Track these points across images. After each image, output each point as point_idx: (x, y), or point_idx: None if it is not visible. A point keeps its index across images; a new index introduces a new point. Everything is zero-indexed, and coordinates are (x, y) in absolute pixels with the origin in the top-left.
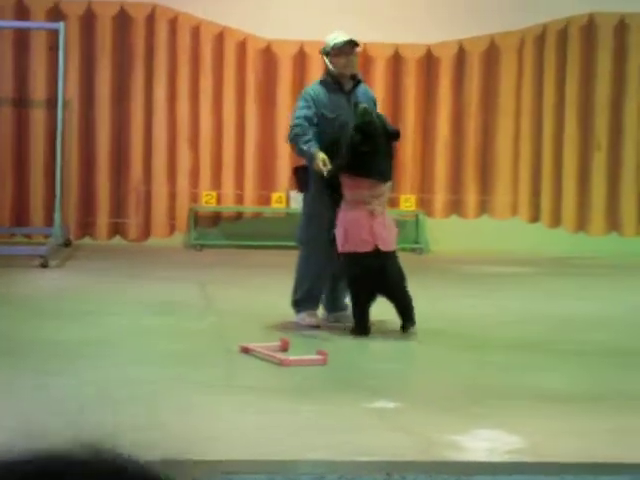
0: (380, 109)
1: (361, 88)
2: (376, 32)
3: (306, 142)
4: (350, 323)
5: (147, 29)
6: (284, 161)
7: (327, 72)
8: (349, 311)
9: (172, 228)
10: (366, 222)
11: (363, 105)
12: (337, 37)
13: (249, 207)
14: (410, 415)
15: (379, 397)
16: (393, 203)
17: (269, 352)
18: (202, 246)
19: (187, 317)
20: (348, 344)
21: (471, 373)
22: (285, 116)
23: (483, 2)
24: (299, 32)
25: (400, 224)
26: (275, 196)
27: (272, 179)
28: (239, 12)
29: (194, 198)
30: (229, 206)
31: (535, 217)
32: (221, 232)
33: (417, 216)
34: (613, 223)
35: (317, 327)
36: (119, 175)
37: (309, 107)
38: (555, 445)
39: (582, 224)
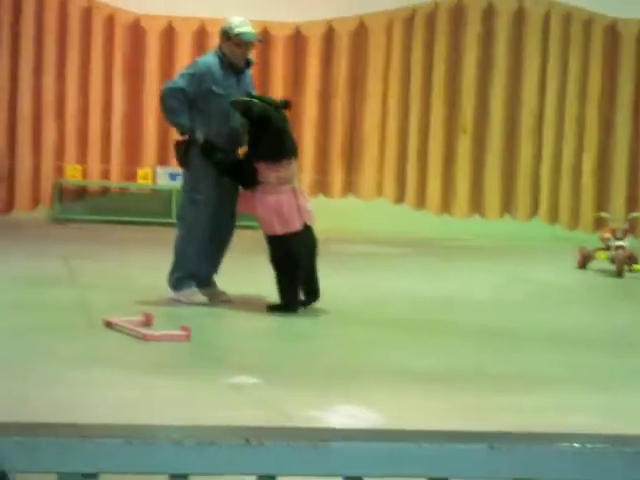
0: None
1: (248, 72)
2: (244, 9)
3: (181, 114)
4: (224, 298)
5: (14, 1)
6: (151, 137)
7: (221, 51)
8: (217, 287)
9: (36, 202)
10: (294, 201)
11: (236, 100)
12: (242, 26)
13: (115, 182)
14: (271, 391)
15: (240, 373)
16: None
17: (133, 326)
18: (66, 220)
19: (50, 291)
20: (212, 321)
21: (334, 350)
22: (154, 91)
23: None
24: (167, 7)
25: None
26: (141, 172)
27: (139, 154)
28: None
29: (59, 172)
30: (95, 180)
31: (400, 198)
32: (86, 207)
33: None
34: (477, 206)
35: (204, 304)
36: None
37: (193, 83)
38: (412, 421)
39: (446, 206)
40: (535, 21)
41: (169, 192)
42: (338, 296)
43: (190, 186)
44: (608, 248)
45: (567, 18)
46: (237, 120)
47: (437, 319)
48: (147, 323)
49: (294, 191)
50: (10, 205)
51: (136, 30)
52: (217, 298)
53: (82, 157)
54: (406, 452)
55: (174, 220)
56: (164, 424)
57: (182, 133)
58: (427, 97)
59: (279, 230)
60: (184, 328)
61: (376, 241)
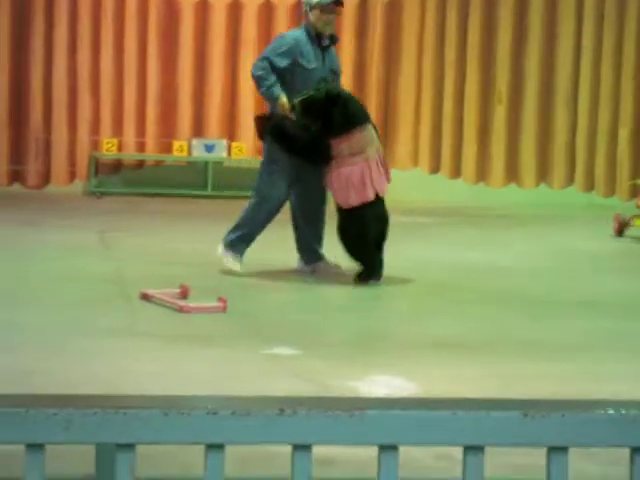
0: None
1: (332, 48)
2: None
3: (270, 86)
4: (322, 274)
5: None
6: (186, 109)
7: (307, 24)
8: (327, 261)
9: (72, 175)
10: (367, 171)
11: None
12: None
13: (150, 155)
14: (308, 362)
15: (278, 344)
16: None
17: (169, 299)
18: (102, 194)
19: (87, 264)
20: (249, 293)
21: (370, 321)
22: (188, 63)
23: None
24: None
25: None
26: (177, 144)
27: (174, 127)
28: None
29: (95, 145)
30: (130, 154)
31: (436, 168)
32: (122, 180)
33: None
34: (512, 174)
35: (239, 274)
36: (19, 122)
37: (282, 55)
38: (447, 389)
39: (482, 175)
40: None
41: (205, 164)
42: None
43: (267, 157)
44: None
45: None
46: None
47: (473, 287)
48: (183, 295)
49: (367, 160)
50: (46, 179)
51: (170, 3)
52: (331, 270)
53: (118, 130)
54: (441, 420)
55: (210, 192)
56: (199, 394)
57: (277, 102)
58: (462, 67)
59: (354, 201)
60: (221, 299)
61: (412, 211)
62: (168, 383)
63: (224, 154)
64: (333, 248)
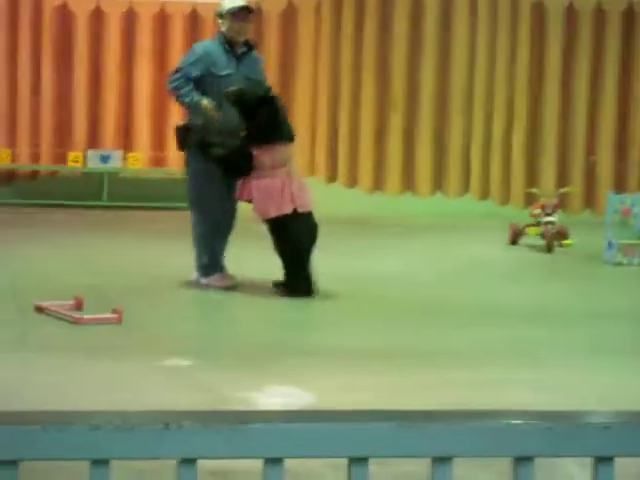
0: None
1: (253, 55)
2: None
3: (188, 93)
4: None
5: None
6: (81, 119)
7: (220, 33)
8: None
9: None
10: (287, 184)
11: (230, 90)
12: (232, 2)
13: (45, 166)
14: (204, 373)
15: (173, 355)
16: None
17: (64, 310)
18: None
19: None
20: (144, 303)
21: (267, 330)
22: (83, 73)
23: None
24: None
25: None
26: (72, 155)
27: (69, 138)
28: None
29: None
30: (24, 164)
31: (333, 177)
32: (16, 190)
33: None
34: (408, 183)
35: (232, 288)
36: None
37: (193, 64)
38: (344, 400)
39: (378, 184)
40: None
41: (100, 175)
42: (273, 276)
43: (192, 169)
44: (538, 224)
45: None
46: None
47: (368, 297)
48: (78, 307)
49: (289, 175)
50: None
51: (64, 12)
52: (230, 282)
53: (11, 141)
54: (324, 432)
55: (105, 202)
56: (81, 409)
57: (205, 109)
58: (358, 74)
59: (272, 212)
60: (116, 311)
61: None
62: (61, 396)
63: (120, 165)
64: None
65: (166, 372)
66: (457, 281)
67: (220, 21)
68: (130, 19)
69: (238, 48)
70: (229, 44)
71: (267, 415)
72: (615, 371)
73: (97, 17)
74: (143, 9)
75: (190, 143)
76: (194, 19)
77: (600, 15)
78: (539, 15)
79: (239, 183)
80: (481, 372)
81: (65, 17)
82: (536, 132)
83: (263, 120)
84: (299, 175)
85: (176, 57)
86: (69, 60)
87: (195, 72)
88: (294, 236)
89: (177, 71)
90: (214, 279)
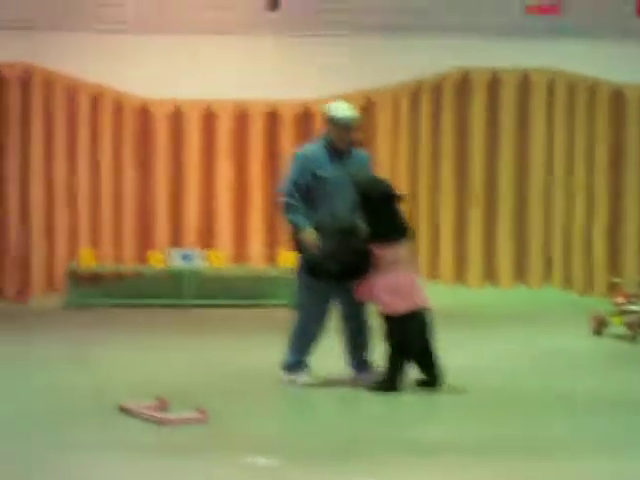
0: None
1: (355, 152)
2: (247, 88)
3: (294, 213)
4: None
5: (22, 88)
6: (163, 219)
7: (326, 135)
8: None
9: (51, 288)
10: (412, 279)
11: (358, 178)
12: (342, 110)
13: (128, 266)
14: (289, 471)
15: (258, 454)
16: (272, 259)
17: (148, 411)
18: (81, 306)
19: (66, 376)
20: (227, 402)
21: (350, 426)
22: (163, 174)
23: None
24: (174, 90)
25: (279, 280)
26: (154, 255)
27: (151, 238)
28: (115, 70)
29: (73, 257)
30: (108, 265)
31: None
32: (101, 291)
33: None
34: (490, 275)
35: (313, 385)
36: None
37: (301, 172)
38: None
39: (459, 276)
40: (540, 90)
41: (181, 273)
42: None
43: (301, 269)
44: (623, 313)
45: (571, 85)
46: (345, 203)
47: (455, 389)
48: (162, 407)
49: (413, 271)
50: (26, 293)
51: (144, 114)
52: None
53: (95, 242)
54: None
55: (187, 301)
56: None
57: (296, 232)
58: (437, 168)
59: (401, 308)
60: (200, 410)
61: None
62: None
63: (202, 263)
64: None
65: (251, 471)
66: (540, 372)
67: (328, 125)
68: (210, 118)
69: (343, 148)
70: (333, 148)
71: None
72: None
73: (176, 116)
74: (221, 109)
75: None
76: (273, 117)
77: None
78: (616, 104)
79: (358, 283)
80: (559, 463)
81: (145, 116)
82: (617, 221)
83: (389, 217)
84: (417, 272)
85: (254, 155)
86: (150, 159)
87: (302, 180)
88: (414, 330)
89: (288, 183)
90: (298, 376)
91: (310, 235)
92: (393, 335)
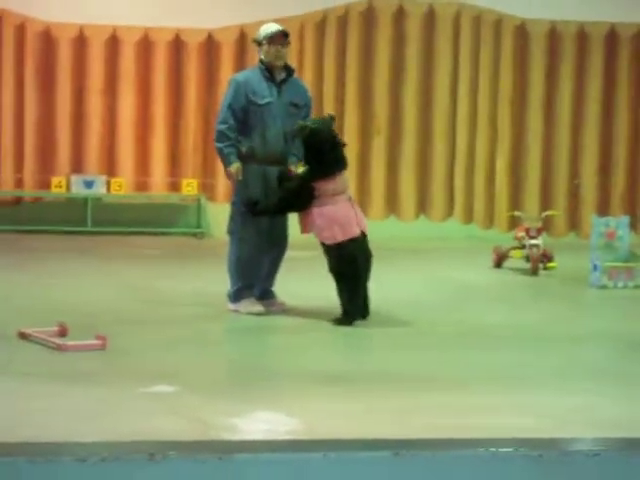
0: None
1: (293, 80)
2: (153, 16)
3: (228, 147)
4: (277, 308)
5: None
6: (65, 145)
7: (260, 61)
8: (277, 297)
9: None
10: (350, 209)
11: (299, 124)
12: (269, 27)
13: (28, 192)
14: (188, 399)
15: (157, 382)
16: (175, 187)
17: (47, 337)
18: None
19: None
20: (128, 329)
21: (252, 355)
22: (66, 98)
23: None
24: (79, 15)
25: (182, 209)
26: (55, 180)
27: (52, 163)
28: None
29: None
30: (7, 190)
31: None
32: (0, 217)
33: (199, 200)
34: (392, 207)
35: (260, 314)
36: None
37: (235, 96)
38: (330, 425)
39: (362, 208)
40: (446, 22)
41: (84, 200)
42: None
43: (238, 198)
44: (523, 247)
45: (477, 19)
46: (278, 131)
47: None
48: (62, 334)
49: (349, 200)
50: None
51: (47, 38)
52: (277, 307)
53: None
54: (311, 462)
55: (90, 228)
56: (67, 441)
57: (222, 161)
58: (341, 100)
59: (340, 236)
60: (99, 337)
61: (291, 246)
62: (36, 423)
63: (103, 190)
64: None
65: (150, 398)
66: (441, 304)
67: (259, 48)
68: (113, 45)
69: (278, 75)
70: (269, 71)
71: (252, 445)
72: (587, 392)
73: (80, 42)
74: (127, 35)
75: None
76: (177, 44)
77: (583, 39)
78: (522, 38)
79: (299, 217)
80: (465, 396)
81: (48, 40)
82: (519, 155)
83: (328, 159)
84: (353, 199)
85: (159, 83)
86: (51, 84)
87: (238, 105)
88: (353, 256)
89: (226, 109)
90: (242, 305)
91: (235, 170)
92: (338, 265)
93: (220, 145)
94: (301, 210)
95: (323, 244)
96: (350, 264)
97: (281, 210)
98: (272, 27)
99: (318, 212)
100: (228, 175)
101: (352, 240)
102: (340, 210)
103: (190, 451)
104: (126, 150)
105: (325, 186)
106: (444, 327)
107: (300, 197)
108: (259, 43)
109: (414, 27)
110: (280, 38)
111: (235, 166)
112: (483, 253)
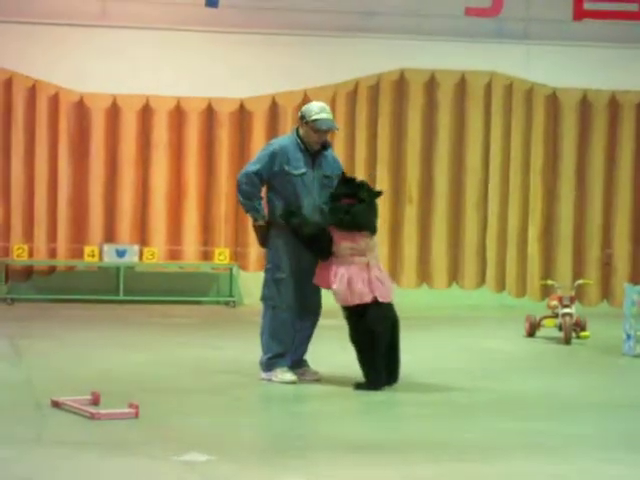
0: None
1: (328, 152)
2: (188, 86)
3: (251, 197)
4: (310, 378)
5: None
6: (97, 214)
7: (297, 132)
8: (310, 366)
9: None
10: (365, 274)
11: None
12: (320, 113)
13: (61, 261)
14: (221, 468)
15: (190, 450)
16: (207, 256)
17: (80, 405)
18: (13, 300)
19: None
20: (161, 397)
21: (284, 423)
22: (99, 169)
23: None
24: (112, 86)
25: (214, 277)
26: (88, 249)
27: (85, 233)
28: (51, 65)
29: (5, 252)
30: (41, 260)
31: None
32: (33, 286)
33: (231, 269)
34: (424, 275)
35: (293, 383)
36: None
37: (268, 162)
38: None
39: (394, 276)
40: (477, 91)
41: (116, 269)
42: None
43: (272, 265)
44: (556, 315)
45: (509, 88)
46: (311, 203)
47: (385, 390)
48: (95, 402)
49: (367, 265)
50: None
51: (81, 108)
52: (310, 377)
53: (28, 236)
54: None
55: (122, 297)
56: None
57: (255, 220)
58: (372, 168)
59: (350, 301)
60: (132, 405)
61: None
62: None
63: (136, 259)
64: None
65: (182, 467)
66: (474, 373)
67: (302, 123)
68: (146, 115)
69: (314, 147)
70: (305, 146)
71: None
72: (620, 463)
73: (114, 112)
74: (159, 105)
75: (271, 237)
76: (209, 113)
77: (614, 107)
78: (553, 107)
79: (317, 269)
80: (499, 465)
81: (81, 112)
82: (551, 224)
83: (355, 215)
84: (381, 267)
85: (191, 152)
86: (85, 155)
87: (266, 168)
88: (369, 325)
89: (248, 168)
90: (275, 374)
91: (262, 222)
92: (355, 335)
93: (247, 189)
94: (322, 254)
95: (342, 308)
96: (365, 335)
97: (307, 240)
98: (323, 115)
99: (334, 272)
100: (257, 230)
101: (367, 307)
102: (353, 273)
103: None
104: (158, 219)
105: (343, 242)
106: (477, 395)
107: (320, 241)
108: (305, 121)
109: (446, 96)
110: (328, 133)
111: (262, 221)
112: (516, 322)
